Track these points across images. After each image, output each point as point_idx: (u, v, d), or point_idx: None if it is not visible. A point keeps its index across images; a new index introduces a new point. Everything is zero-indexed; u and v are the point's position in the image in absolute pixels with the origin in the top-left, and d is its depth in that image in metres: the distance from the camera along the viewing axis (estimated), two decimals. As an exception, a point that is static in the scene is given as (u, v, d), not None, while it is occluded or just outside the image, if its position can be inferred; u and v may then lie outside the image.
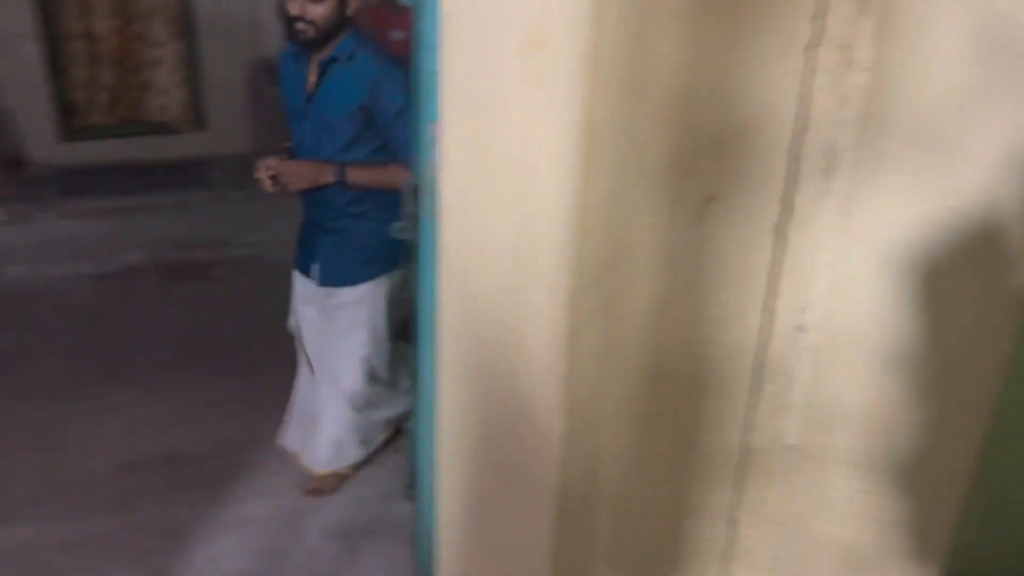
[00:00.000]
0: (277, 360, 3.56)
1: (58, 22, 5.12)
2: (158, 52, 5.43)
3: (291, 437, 2.92)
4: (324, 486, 2.80)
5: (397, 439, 2.99)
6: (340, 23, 2.35)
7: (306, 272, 2.69)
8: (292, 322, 2.88)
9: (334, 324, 2.66)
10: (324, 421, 2.76)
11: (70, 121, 5.33)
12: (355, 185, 2.48)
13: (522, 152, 0.79)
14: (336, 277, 2.62)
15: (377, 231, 2.46)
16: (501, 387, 0.95)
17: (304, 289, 2.74)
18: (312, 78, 2.45)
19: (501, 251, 0.77)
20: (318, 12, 2.29)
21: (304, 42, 2.36)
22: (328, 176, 2.46)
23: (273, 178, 2.46)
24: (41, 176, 5.11)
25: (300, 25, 2.31)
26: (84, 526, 2.65)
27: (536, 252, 0.79)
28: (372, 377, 2.72)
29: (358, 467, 2.87)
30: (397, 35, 5.15)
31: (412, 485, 2.08)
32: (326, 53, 2.39)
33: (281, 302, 4.02)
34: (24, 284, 4.06)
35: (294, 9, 2.29)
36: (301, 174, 2.46)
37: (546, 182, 0.79)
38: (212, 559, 2.55)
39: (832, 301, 1.00)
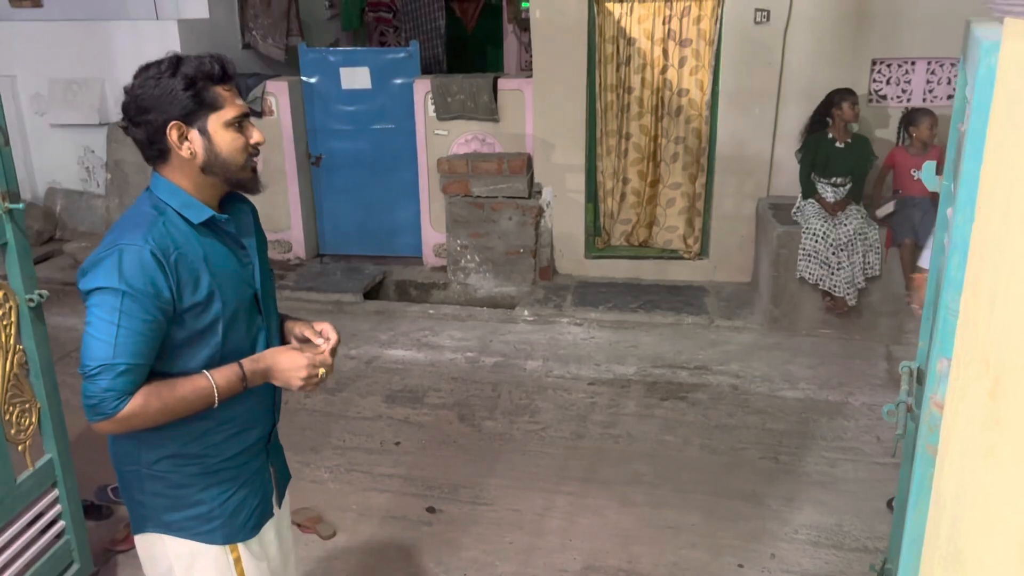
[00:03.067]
0: (738, 497, 3.57)
1: (599, 160, 6.01)
2: (673, 193, 6.01)
3: None
4: None
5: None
6: None
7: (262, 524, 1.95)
8: None
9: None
10: None
11: (595, 241, 6.15)
12: None
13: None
14: (287, 477, 2.10)
15: None
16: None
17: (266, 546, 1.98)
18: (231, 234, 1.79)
19: (1005, 543, 0.69)
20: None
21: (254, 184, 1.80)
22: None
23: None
24: (565, 286, 5.96)
25: (255, 159, 1.78)
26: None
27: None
28: None
29: None
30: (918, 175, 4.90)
31: None
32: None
33: (753, 435, 4.04)
34: (535, 378, 4.75)
35: (256, 136, 1.76)
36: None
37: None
38: None
39: None
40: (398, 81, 6.32)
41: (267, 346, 1.82)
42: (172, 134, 1.64)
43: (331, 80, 6.41)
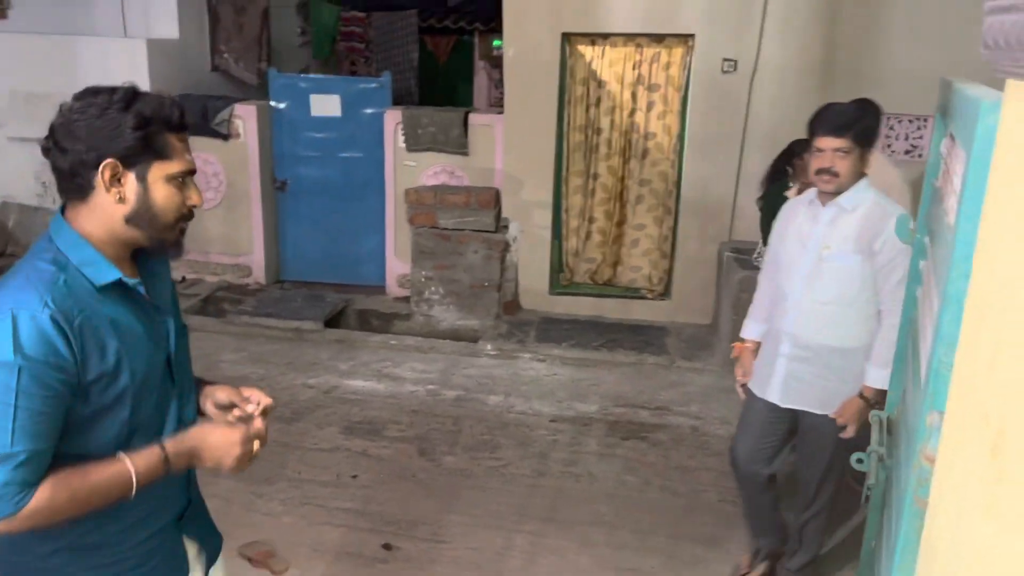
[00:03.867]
0: (698, 540, 3.56)
1: (565, 199, 6.06)
2: (637, 234, 6.09)
3: None
4: None
5: None
6: None
7: None
8: None
9: None
10: None
11: (559, 278, 6.18)
12: None
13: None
14: (216, 546, 1.89)
15: None
16: None
17: None
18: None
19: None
20: None
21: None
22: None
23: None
24: (528, 321, 5.95)
25: (186, 223, 1.60)
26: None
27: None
28: None
29: None
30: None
31: None
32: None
33: (712, 477, 4.05)
34: (497, 413, 4.71)
35: None
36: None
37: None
38: None
39: None
40: (369, 111, 6.31)
41: (179, 416, 1.63)
42: (104, 173, 1.44)
43: (301, 106, 6.38)
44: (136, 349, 1.51)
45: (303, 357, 5.39)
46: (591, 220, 6.12)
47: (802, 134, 5.19)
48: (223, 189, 6.47)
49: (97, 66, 6.37)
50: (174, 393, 1.63)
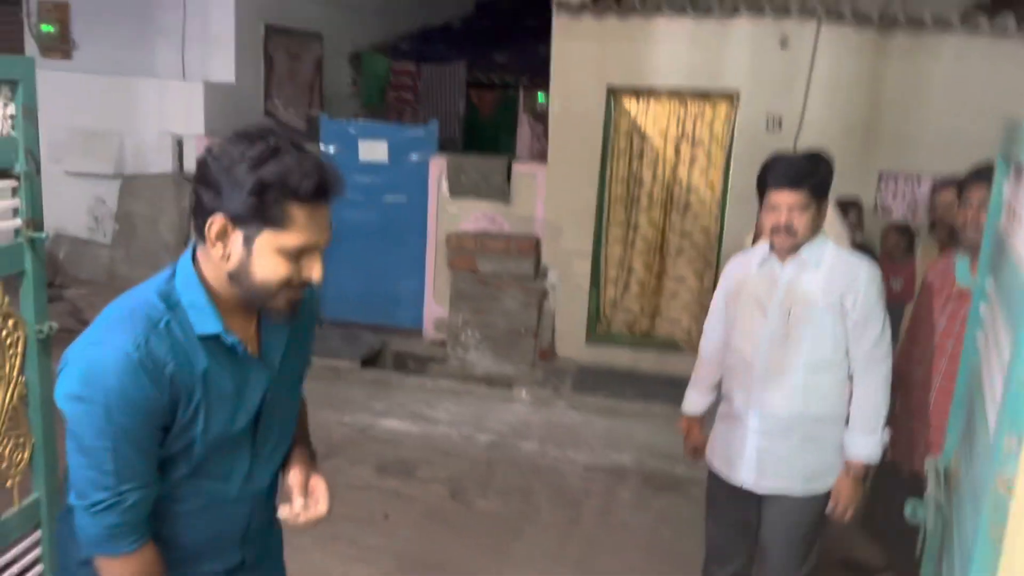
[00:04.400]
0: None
1: (605, 248, 6.09)
2: (677, 286, 6.08)
3: None
4: None
5: None
6: None
7: None
8: None
9: None
10: None
11: (596, 327, 6.17)
12: None
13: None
14: None
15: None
16: None
17: None
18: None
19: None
20: None
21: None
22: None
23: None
24: (564, 369, 5.93)
25: (296, 296, 1.47)
26: None
27: None
28: None
29: None
30: (896, 284, 4.91)
31: None
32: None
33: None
34: (530, 459, 4.66)
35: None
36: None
37: None
38: None
39: None
40: (414, 157, 6.44)
41: (248, 475, 1.55)
42: (212, 227, 1.36)
43: (349, 151, 6.53)
44: (219, 406, 1.44)
45: (339, 395, 5.41)
46: (630, 270, 6.13)
47: (845, 194, 5.23)
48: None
49: (155, 106, 6.61)
50: (251, 452, 1.55)
